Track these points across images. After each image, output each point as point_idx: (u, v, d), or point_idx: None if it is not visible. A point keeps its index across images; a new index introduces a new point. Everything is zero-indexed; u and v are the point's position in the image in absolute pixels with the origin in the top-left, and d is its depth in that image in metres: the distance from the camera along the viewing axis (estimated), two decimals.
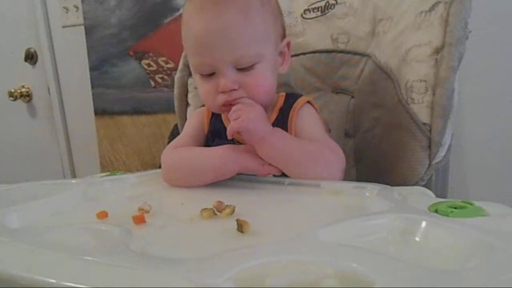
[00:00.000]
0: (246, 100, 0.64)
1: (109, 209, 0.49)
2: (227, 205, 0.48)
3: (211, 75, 0.66)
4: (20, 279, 0.29)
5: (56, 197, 0.55)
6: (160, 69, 1.50)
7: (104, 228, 0.40)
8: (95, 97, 1.61)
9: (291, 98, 0.73)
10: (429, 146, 0.65)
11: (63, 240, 0.38)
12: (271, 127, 0.64)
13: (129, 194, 0.61)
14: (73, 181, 0.65)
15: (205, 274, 0.28)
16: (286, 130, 0.69)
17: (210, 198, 0.50)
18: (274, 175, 0.64)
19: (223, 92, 0.65)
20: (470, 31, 0.64)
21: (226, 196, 0.52)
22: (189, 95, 0.96)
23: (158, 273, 0.29)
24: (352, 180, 0.73)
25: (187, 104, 0.96)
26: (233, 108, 0.63)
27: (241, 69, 0.64)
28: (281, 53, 0.71)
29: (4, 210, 0.47)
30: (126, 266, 0.30)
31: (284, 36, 0.73)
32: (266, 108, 0.72)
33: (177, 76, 0.95)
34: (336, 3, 0.83)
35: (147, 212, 0.48)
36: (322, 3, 0.84)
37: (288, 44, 0.72)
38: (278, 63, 0.71)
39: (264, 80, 0.66)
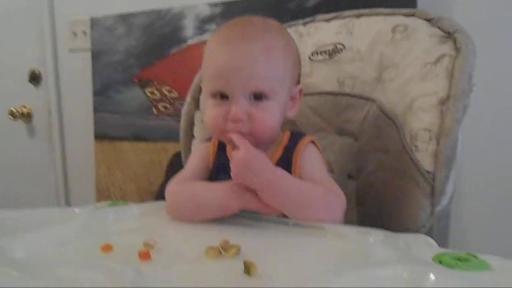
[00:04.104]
0: (243, 149, 0.62)
1: (113, 242, 0.49)
2: (232, 245, 0.48)
3: (223, 100, 0.67)
4: None
5: (60, 227, 0.55)
6: (164, 97, 1.52)
7: (114, 266, 0.40)
8: (97, 122, 1.62)
9: (296, 137, 0.74)
10: (432, 194, 0.66)
11: (73, 276, 0.37)
12: (271, 170, 0.63)
13: (132, 226, 0.61)
14: (76, 210, 0.65)
15: None
16: (290, 169, 0.70)
17: (213, 234, 0.51)
18: (277, 216, 0.65)
19: (232, 120, 0.66)
20: (474, 84, 0.66)
21: (230, 234, 0.52)
22: (195, 128, 0.97)
23: None
24: (353, 221, 0.73)
25: (193, 137, 0.97)
26: (233, 154, 0.64)
27: (253, 100, 0.65)
28: (292, 98, 0.73)
29: (9, 239, 0.47)
30: None
31: (298, 82, 0.75)
32: (271, 144, 0.73)
33: (184, 108, 0.96)
34: (344, 47, 0.85)
35: (152, 247, 0.49)
36: (330, 47, 0.86)
37: (300, 91, 0.74)
38: (288, 106, 0.72)
39: (271, 117, 0.67)
